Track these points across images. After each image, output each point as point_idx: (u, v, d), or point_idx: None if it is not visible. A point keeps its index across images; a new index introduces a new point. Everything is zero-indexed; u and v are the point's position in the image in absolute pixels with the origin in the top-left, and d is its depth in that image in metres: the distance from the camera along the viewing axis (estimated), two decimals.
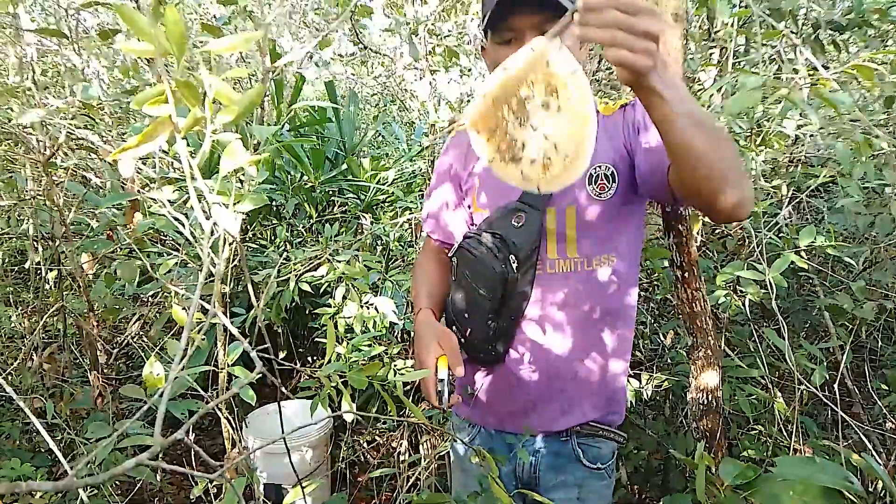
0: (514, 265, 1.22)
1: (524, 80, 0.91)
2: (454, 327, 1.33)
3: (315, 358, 3.08)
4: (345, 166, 3.12)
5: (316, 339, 2.51)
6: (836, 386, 1.68)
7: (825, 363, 1.80)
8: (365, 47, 3.50)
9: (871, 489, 1.84)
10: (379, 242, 2.82)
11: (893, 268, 1.92)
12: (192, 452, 0.75)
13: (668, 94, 0.83)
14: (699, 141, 0.88)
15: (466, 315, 1.31)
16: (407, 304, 2.37)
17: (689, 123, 0.86)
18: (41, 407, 1.79)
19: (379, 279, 2.24)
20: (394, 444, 2.64)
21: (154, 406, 0.77)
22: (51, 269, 2.21)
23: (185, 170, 0.71)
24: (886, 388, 2.08)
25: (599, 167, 1.24)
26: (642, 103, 0.87)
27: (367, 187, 2.98)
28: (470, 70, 5.25)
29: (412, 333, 1.33)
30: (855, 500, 1.33)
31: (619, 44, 0.76)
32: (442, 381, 1.19)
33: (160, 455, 0.71)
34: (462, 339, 1.31)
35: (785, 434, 1.76)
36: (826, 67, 1.70)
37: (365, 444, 2.74)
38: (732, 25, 1.95)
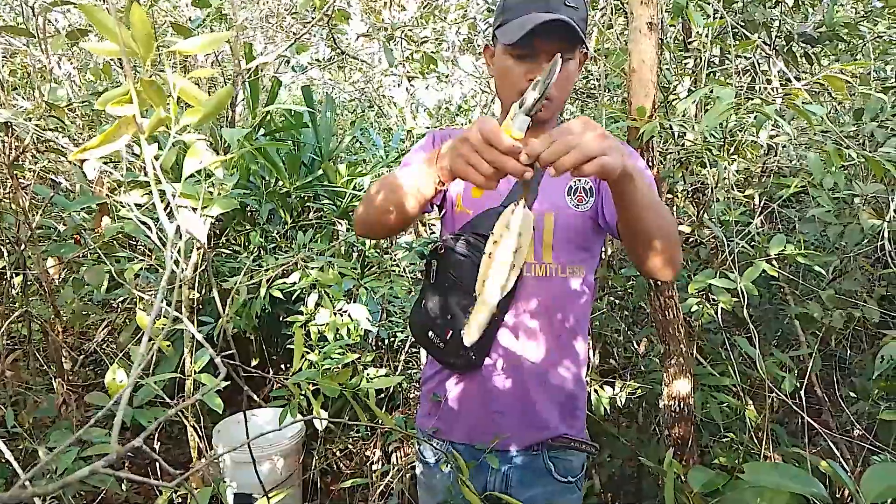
0: None
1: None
2: (430, 333, 1.30)
3: (289, 366, 3.04)
4: (321, 172, 3.10)
5: (290, 347, 2.48)
6: (805, 394, 1.70)
7: (795, 371, 1.82)
8: (342, 52, 3.48)
9: (838, 496, 1.86)
10: (354, 249, 2.79)
11: (862, 277, 1.95)
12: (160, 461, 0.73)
13: (637, 181, 0.94)
14: (649, 219, 1.03)
15: (450, 317, 1.28)
16: (381, 311, 2.35)
17: (646, 205, 1.00)
18: (2, 415, 1.73)
19: (354, 286, 2.22)
20: (367, 453, 2.62)
21: (113, 412, 0.75)
22: (16, 274, 2.15)
23: (149, 172, 0.69)
24: (854, 395, 2.11)
25: (579, 181, 1.27)
26: (613, 191, 0.98)
27: (344, 193, 2.95)
28: (448, 77, 5.25)
29: (438, 158, 1.01)
30: None
31: (589, 156, 0.82)
32: None
33: (125, 464, 0.68)
34: (441, 345, 1.29)
35: (756, 441, 1.77)
36: (798, 79, 1.73)
37: (337, 453, 2.71)
38: (707, 36, 1.97)
